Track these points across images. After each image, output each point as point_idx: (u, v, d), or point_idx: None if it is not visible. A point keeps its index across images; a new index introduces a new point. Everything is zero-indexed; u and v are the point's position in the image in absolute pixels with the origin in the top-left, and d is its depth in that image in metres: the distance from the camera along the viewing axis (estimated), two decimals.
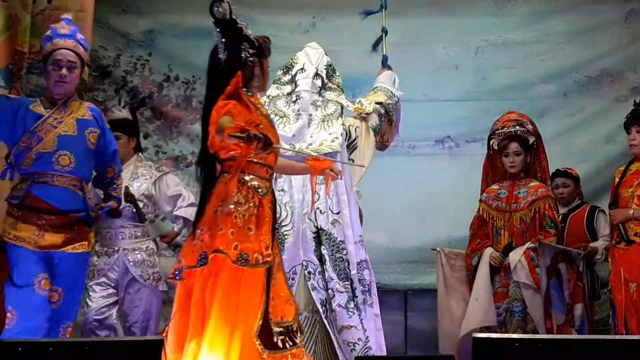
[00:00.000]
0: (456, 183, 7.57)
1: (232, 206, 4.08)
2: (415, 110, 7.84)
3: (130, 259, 6.10)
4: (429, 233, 7.43)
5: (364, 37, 7.96)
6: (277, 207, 4.88)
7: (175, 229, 6.39)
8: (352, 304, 4.83)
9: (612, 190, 6.13)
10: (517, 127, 6.36)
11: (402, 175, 7.41)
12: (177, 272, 4.16)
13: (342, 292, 4.81)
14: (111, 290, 6.12)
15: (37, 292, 4.92)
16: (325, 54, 5.22)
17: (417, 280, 7.56)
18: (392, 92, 5.40)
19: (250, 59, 4.33)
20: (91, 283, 6.07)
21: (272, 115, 4.99)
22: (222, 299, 4.04)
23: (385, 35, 5.98)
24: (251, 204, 4.12)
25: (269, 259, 4.05)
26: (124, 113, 6.39)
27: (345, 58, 7.79)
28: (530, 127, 6.38)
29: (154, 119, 8.01)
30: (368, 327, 4.86)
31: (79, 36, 5.32)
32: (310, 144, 4.94)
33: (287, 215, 4.91)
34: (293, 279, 4.88)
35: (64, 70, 5.17)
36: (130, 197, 6.03)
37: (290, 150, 4.89)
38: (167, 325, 4.55)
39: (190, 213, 5.60)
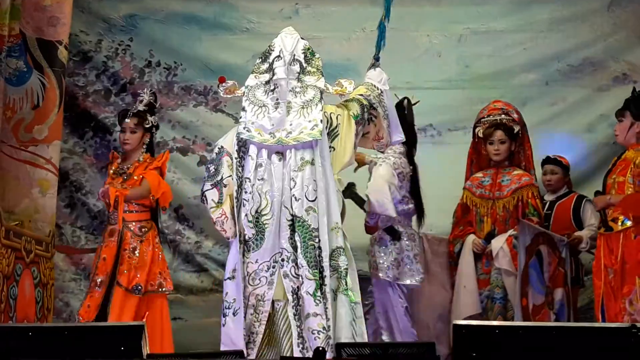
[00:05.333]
0: (438, 171, 7.56)
1: None
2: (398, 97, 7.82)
3: None
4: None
5: (346, 23, 8.00)
6: (257, 195, 4.87)
7: None
8: (319, 292, 4.80)
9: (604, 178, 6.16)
10: (503, 115, 6.40)
11: None
12: None
13: (310, 279, 4.78)
14: None
15: None
16: (302, 38, 5.17)
17: None
18: (373, 85, 5.32)
19: None
20: None
21: (251, 106, 4.97)
22: None
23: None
24: None
25: None
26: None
27: (328, 45, 7.78)
28: (515, 116, 6.42)
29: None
30: (340, 315, 4.86)
31: None
32: (290, 132, 4.88)
33: (267, 204, 4.87)
34: (274, 267, 4.88)
35: None
36: None
37: (271, 139, 4.87)
38: (148, 311, 4.56)
39: None
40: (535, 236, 6.06)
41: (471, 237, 6.29)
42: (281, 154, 4.92)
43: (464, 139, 7.03)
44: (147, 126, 6.23)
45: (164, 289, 6.04)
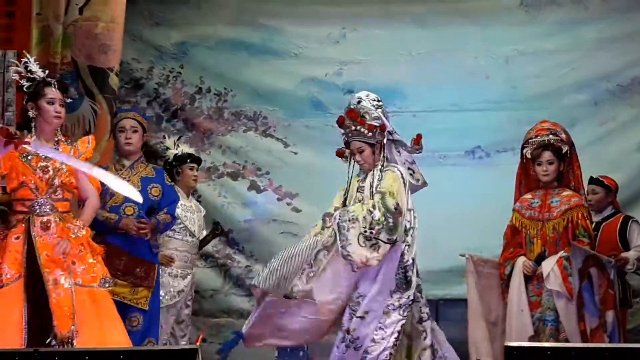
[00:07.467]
0: (486, 193, 7.57)
1: None
2: (445, 120, 7.84)
3: None
4: (460, 243, 7.40)
5: (392, 46, 8.04)
6: None
7: None
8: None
9: None
10: (551, 135, 6.34)
11: (433, 185, 7.37)
12: None
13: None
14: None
15: None
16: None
17: (448, 290, 7.56)
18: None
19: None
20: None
21: None
22: None
23: None
24: None
25: None
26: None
27: (375, 68, 7.85)
28: (563, 136, 6.36)
29: (186, 131, 8.08)
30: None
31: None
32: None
33: None
34: None
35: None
36: (218, 229, 7.02)
37: None
38: (200, 334, 4.60)
39: None
40: (586, 259, 6.02)
41: (521, 259, 6.24)
42: None
43: (513, 160, 7.00)
44: (68, 101, 5.25)
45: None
